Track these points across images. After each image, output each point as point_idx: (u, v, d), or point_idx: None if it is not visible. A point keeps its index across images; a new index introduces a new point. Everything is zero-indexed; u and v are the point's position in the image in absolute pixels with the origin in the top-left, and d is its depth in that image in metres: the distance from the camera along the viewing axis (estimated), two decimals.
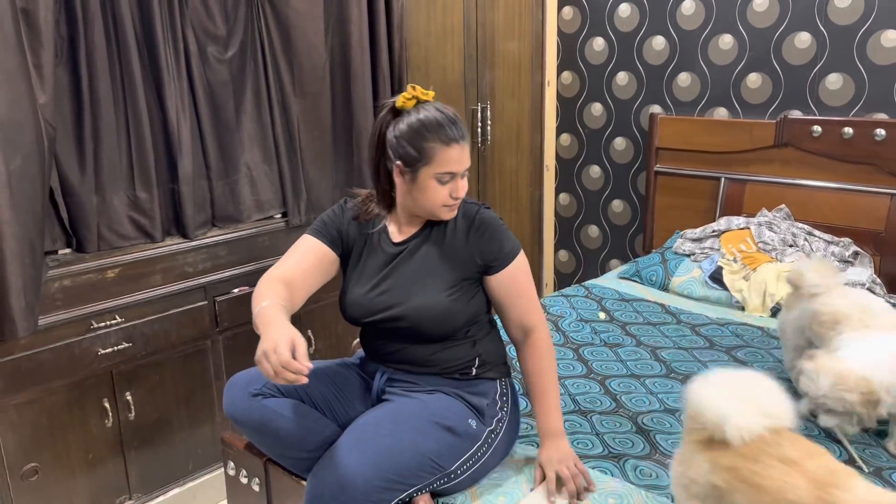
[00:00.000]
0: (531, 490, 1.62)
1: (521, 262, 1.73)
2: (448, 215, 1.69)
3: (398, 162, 1.64)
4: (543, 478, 1.63)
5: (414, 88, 1.66)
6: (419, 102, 1.65)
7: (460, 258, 1.70)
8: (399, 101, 1.65)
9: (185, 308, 2.41)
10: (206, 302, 2.46)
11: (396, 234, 1.75)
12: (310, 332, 2.82)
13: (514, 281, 1.72)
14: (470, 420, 1.65)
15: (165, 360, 2.38)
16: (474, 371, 1.73)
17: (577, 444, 1.79)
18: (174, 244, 2.36)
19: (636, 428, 1.89)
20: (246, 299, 2.56)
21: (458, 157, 1.62)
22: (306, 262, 1.73)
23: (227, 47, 2.46)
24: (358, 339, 1.89)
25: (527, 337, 1.73)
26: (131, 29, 2.16)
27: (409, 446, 1.52)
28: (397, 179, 1.68)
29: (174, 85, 2.28)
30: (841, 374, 1.65)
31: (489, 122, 3.39)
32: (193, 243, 2.41)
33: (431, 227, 1.74)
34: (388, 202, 1.76)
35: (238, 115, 2.53)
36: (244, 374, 1.70)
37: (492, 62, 3.39)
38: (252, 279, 2.57)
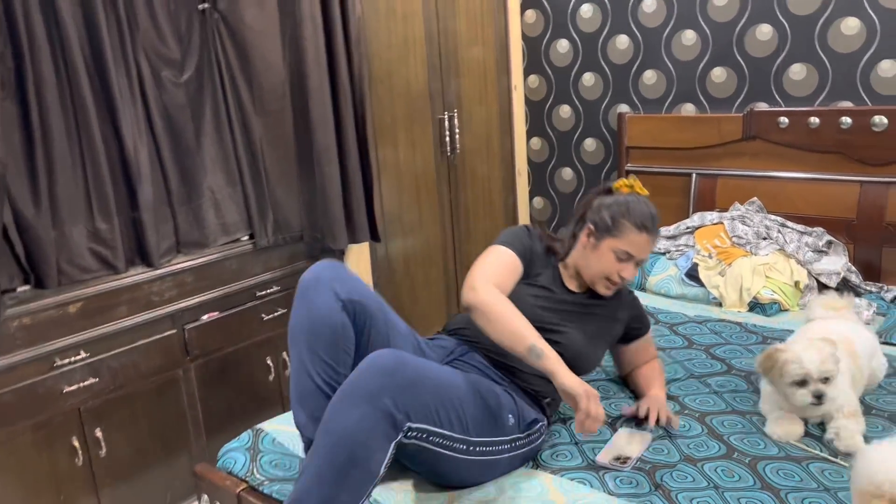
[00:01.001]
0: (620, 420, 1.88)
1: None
2: (604, 290, 1.89)
3: (590, 224, 1.87)
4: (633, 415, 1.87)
5: (633, 181, 1.92)
6: (633, 192, 1.90)
7: (617, 319, 1.98)
8: (616, 184, 1.92)
9: (153, 338, 2.35)
10: (174, 331, 2.41)
11: (568, 280, 1.95)
12: (284, 354, 2.77)
13: (648, 345, 2.10)
14: (510, 414, 1.67)
15: (136, 392, 2.33)
16: (544, 402, 1.83)
17: (557, 455, 1.76)
18: (138, 274, 2.31)
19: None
20: (216, 325, 2.51)
21: (642, 244, 1.83)
22: (512, 275, 1.83)
23: (182, 70, 2.41)
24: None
25: (645, 364, 2.08)
26: (80, 57, 2.10)
27: (447, 382, 1.56)
28: (582, 239, 1.89)
29: (129, 111, 2.23)
30: (818, 344, 1.76)
31: (457, 130, 3.36)
32: (158, 272, 2.36)
33: (591, 293, 1.94)
34: (566, 253, 1.95)
35: (198, 138, 2.48)
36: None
37: (457, 70, 3.36)
38: (221, 304, 2.53)
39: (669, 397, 2.01)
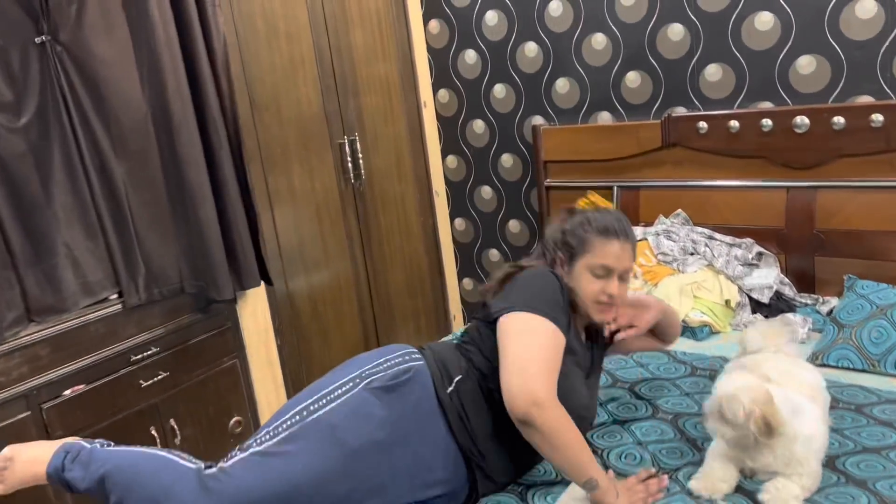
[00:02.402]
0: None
1: None
2: (599, 316, 1.69)
3: (559, 253, 1.70)
4: None
5: (592, 196, 1.85)
6: (597, 208, 1.76)
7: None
8: (579, 203, 1.81)
9: (2, 424, 2.03)
10: (29, 412, 2.09)
11: (579, 326, 1.75)
12: (172, 421, 2.46)
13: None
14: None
15: None
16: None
17: None
18: None
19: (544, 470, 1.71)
20: (83, 400, 2.20)
21: (614, 252, 1.64)
22: (560, 359, 1.57)
23: (19, 114, 2.10)
24: None
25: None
26: None
27: None
28: (560, 272, 1.69)
29: None
30: (753, 388, 1.49)
31: (360, 154, 3.09)
32: (4, 346, 2.04)
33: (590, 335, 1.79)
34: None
35: (47, 189, 2.17)
36: None
37: (355, 89, 3.10)
38: (87, 375, 2.22)
39: (595, 449, 1.77)
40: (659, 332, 1.94)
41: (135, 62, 2.28)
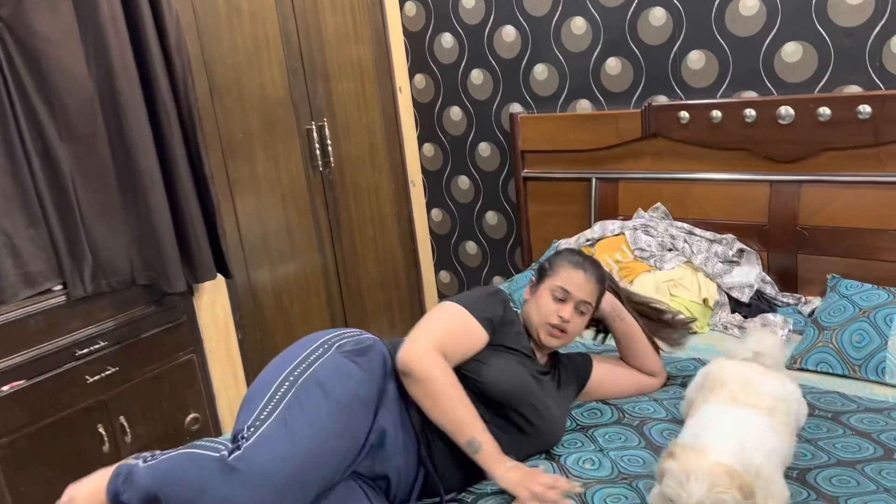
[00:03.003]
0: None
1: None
2: (546, 338, 1.75)
3: (532, 278, 1.85)
4: None
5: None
6: None
7: (571, 383, 1.87)
8: None
9: None
10: None
11: (539, 355, 1.81)
12: (122, 418, 2.35)
13: (603, 360, 1.96)
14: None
15: None
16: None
17: None
18: None
19: None
20: (22, 397, 2.09)
21: (578, 281, 1.75)
22: (466, 344, 1.66)
23: None
24: None
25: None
26: None
27: None
28: (526, 295, 1.84)
29: None
30: (714, 474, 1.30)
31: (329, 140, 2.97)
32: None
33: (554, 366, 1.84)
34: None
35: None
36: None
37: (325, 73, 2.97)
38: (27, 371, 2.10)
39: (551, 455, 1.67)
40: (622, 349, 1.96)
41: (80, 40, 2.16)
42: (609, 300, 1.88)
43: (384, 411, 1.52)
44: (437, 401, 1.50)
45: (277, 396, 1.45)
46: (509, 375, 1.63)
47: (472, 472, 1.60)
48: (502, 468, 1.47)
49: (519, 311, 1.85)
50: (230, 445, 1.39)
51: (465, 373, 1.61)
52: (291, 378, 1.47)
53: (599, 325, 1.98)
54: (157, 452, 1.48)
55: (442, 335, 1.59)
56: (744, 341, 1.81)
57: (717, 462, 1.32)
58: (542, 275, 1.82)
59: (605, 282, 1.84)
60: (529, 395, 1.64)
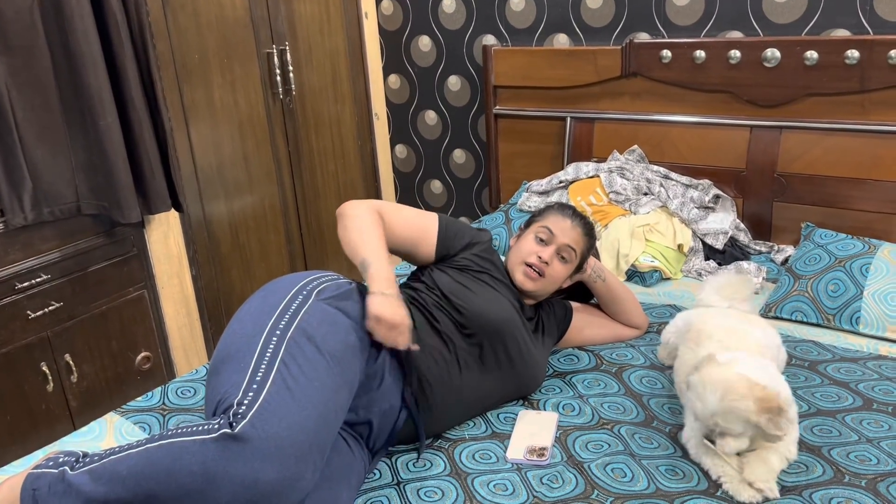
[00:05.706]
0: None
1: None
2: (522, 278, 1.70)
3: (522, 226, 1.83)
4: None
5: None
6: None
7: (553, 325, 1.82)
8: None
9: None
10: None
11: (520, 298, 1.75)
12: (68, 356, 2.21)
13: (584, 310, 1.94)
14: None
15: None
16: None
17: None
18: None
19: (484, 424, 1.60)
20: None
21: (565, 227, 1.73)
22: (409, 231, 1.69)
23: None
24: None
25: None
26: None
27: None
28: (511, 242, 1.81)
29: None
30: (729, 381, 1.28)
31: (290, 66, 2.78)
32: None
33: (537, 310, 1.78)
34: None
35: None
36: None
37: None
38: None
39: (531, 402, 1.61)
40: (606, 309, 1.93)
41: None
42: (590, 262, 1.83)
43: (370, 356, 1.44)
44: (347, 228, 1.57)
45: (268, 355, 1.28)
46: (497, 306, 1.60)
47: (454, 418, 1.55)
48: (377, 291, 1.45)
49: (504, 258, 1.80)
50: (219, 419, 1.18)
51: (452, 298, 1.57)
52: (278, 332, 1.32)
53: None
54: (81, 453, 1.23)
55: (387, 204, 1.67)
56: (708, 282, 1.81)
57: (740, 374, 1.29)
58: (529, 223, 1.81)
59: (593, 237, 1.81)
60: (514, 328, 1.60)
